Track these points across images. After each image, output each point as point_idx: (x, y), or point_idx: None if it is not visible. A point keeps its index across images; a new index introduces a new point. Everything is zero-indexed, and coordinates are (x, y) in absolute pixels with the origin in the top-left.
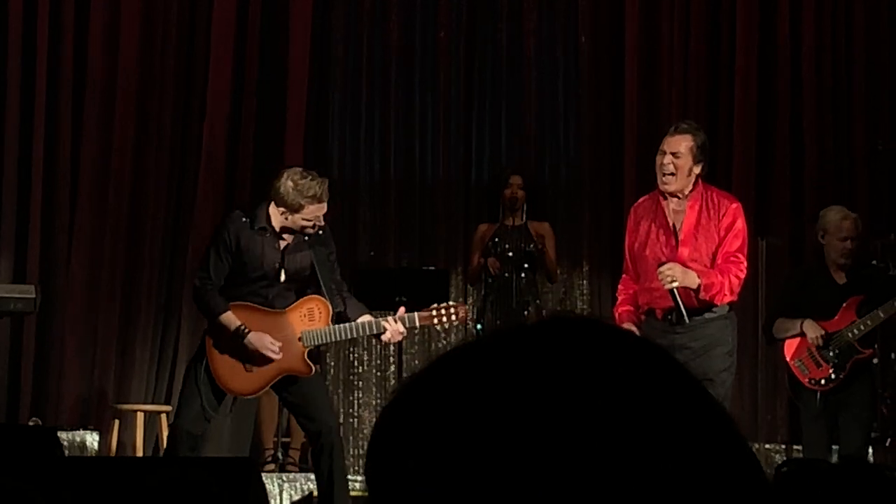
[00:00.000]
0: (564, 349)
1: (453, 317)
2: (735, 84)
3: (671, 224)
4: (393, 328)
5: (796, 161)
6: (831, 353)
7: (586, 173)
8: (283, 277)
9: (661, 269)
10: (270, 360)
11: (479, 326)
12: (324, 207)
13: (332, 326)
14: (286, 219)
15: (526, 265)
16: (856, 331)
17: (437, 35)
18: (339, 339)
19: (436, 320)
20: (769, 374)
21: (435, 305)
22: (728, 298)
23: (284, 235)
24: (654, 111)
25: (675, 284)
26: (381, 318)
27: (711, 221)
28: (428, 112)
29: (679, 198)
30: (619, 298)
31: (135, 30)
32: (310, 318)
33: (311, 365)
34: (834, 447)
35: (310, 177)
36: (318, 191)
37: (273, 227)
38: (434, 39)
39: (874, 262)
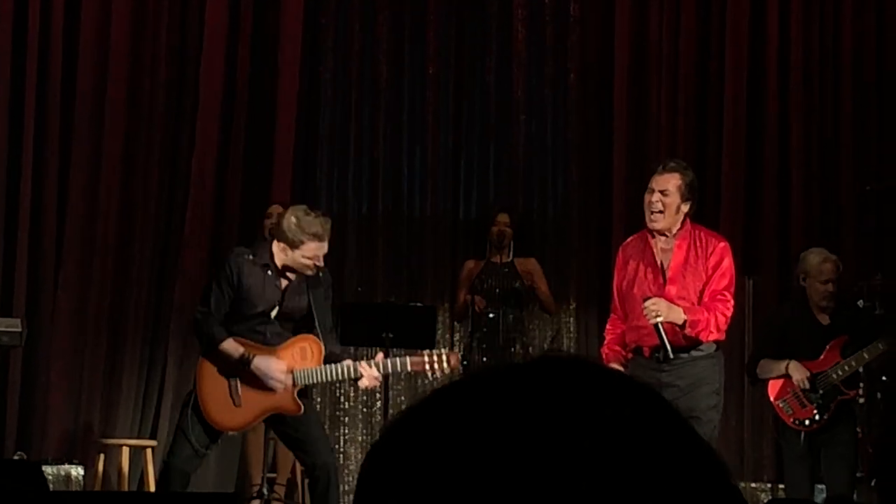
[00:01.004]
0: (552, 389)
1: (444, 365)
2: (724, 126)
3: (659, 262)
4: (368, 373)
5: (783, 201)
6: (816, 394)
7: (574, 211)
8: (274, 314)
9: (647, 303)
10: (259, 396)
11: (464, 363)
12: (324, 247)
13: (322, 366)
14: (286, 255)
15: (512, 302)
16: (840, 371)
17: (425, 72)
18: (328, 379)
19: (427, 366)
20: (755, 413)
21: (427, 352)
22: (714, 336)
23: (287, 274)
24: (643, 149)
25: (659, 319)
26: (359, 363)
27: (699, 260)
28: (416, 148)
29: (667, 236)
30: (607, 338)
31: (124, 61)
32: (302, 357)
33: (300, 403)
34: (818, 487)
35: (313, 214)
36: (319, 229)
37: (276, 265)
38: (423, 76)
39: (860, 302)
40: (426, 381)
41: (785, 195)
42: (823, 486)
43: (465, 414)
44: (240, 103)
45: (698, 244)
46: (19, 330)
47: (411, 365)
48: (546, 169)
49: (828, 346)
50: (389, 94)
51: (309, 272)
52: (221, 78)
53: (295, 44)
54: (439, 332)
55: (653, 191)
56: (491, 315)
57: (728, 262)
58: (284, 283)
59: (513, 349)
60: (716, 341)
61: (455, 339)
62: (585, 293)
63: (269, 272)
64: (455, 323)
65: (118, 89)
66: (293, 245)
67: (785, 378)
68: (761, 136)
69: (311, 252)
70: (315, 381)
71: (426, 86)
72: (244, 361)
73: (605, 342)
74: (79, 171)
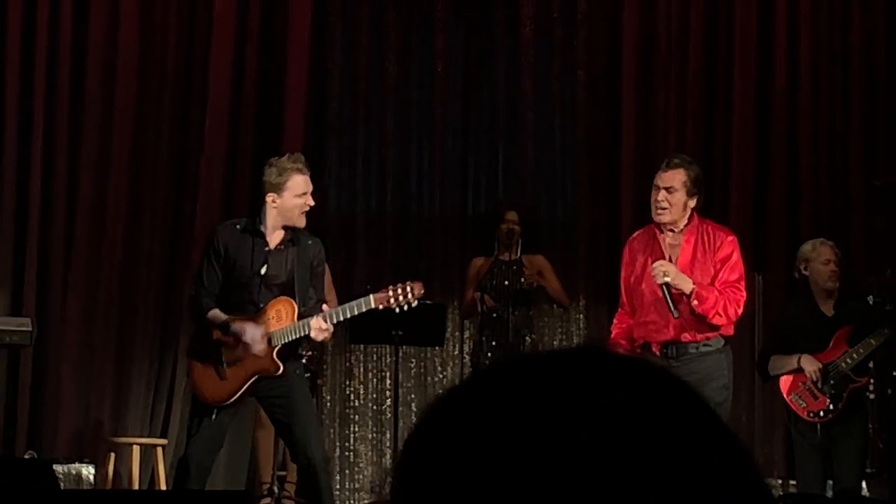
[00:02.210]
0: (589, 377)
1: (409, 295)
2: (732, 122)
3: (668, 258)
4: (314, 325)
5: (792, 197)
6: (827, 385)
7: (582, 208)
8: (265, 274)
9: (655, 264)
10: (240, 365)
11: (472, 361)
12: (308, 182)
13: (294, 324)
14: (277, 206)
15: (521, 299)
16: (849, 360)
17: (434, 68)
18: (298, 335)
19: (392, 301)
20: (766, 408)
21: (391, 286)
22: (722, 320)
23: (274, 235)
24: (651, 146)
25: (667, 279)
26: (313, 317)
27: (707, 254)
28: (424, 146)
29: (674, 231)
30: (613, 332)
31: (132, 63)
32: (277, 319)
33: (279, 363)
34: (829, 482)
35: (286, 155)
36: (298, 163)
37: (262, 231)
38: (431, 73)
39: (870, 298)
40: (435, 380)
41: (794, 191)
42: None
43: (510, 401)
44: (247, 101)
45: (706, 238)
46: (29, 329)
47: (375, 301)
48: (554, 166)
49: (834, 337)
50: (397, 92)
51: (302, 219)
52: (229, 76)
53: (302, 41)
54: (448, 329)
55: (658, 188)
56: (495, 315)
57: (737, 255)
58: (270, 246)
59: (522, 346)
60: (724, 336)
61: (465, 336)
62: (594, 290)
63: (256, 238)
64: (464, 320)
65: (126, 90)
66: (279, 188)
67: (796, 373)
68: (769, 132)
69: (300, 187)
70: (288, 339)
71: (434, 83)
72: (224, 328)
73: (612, 336)
74: (88, 171)
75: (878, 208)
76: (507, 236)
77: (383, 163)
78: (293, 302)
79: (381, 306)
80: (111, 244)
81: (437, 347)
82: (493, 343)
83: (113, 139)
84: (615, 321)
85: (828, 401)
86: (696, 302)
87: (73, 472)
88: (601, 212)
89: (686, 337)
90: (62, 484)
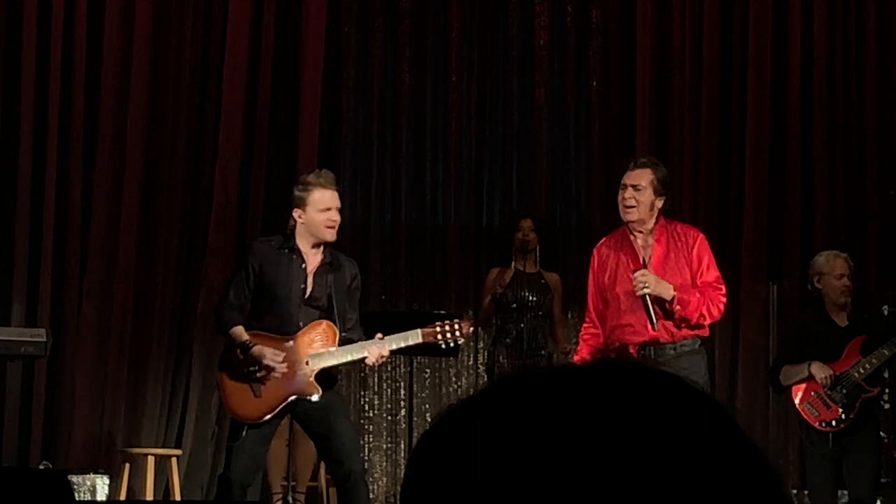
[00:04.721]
0: (606, 392)
1: (457, 333)
2: (747, 131)
3: (641, 259)
4: (373, 350)
5: (807, 207)
6: (839, 394)
7: (597, 218)
8: (307, 295)
9: (636, 274)
10: (277, 384)
11: (488, 371)
12: (334, 197)
13: (335, 348)
14: (301, 220)
15: (540, 313)
16: (861, 370)
17: (448, 79)
18: (340, 361)
19: (439, 337)
20: (780, 419)
21: (439, 322)
22: (704, 321)
23: (310, 256)
24: (666, 156)
25: (647, 290)
26: (367, 342)
27: (680, 252)
28: (439, 156)
29: (643, 233)
30: (580, 345)
31: (146, 74)
32: (320, 342)
33: (317, 386)
34: (841, 492)
35: (313, 172)
36: (322, 178)
37: (300, 248)
38: (445, 83)
39: (884, 308)
40: (450, 390)
41: (809, 201)
42: (846, 492)
43: (506, 417)
44: (262, 114)
45: (676, 237)
46: (44, 340)
47: (423, 336)
48: (568, 175)
49: (847, 347)
50: (412, 102)
51: (329, 233)
52: (243, 88)
53: (317, 52)
54: (462, 340)
55: (626, 186)
56: (511, 327)
57: (709, 252)
58: (310, 266)
59: (537, 358)
60: (700, 337)
61: (479, 346)
62: None
63: (294, 256)
64: (479, 329)
65: (140, 102)
66: (303, 203)
67: (808, 381)
68: (784, 142)
69: (323, 203)
70: (329, 364)
71: (448, 93)
72: (244, 348)
73: (578, 349)
74: (102, 182)
75: (893, 217)
76: (522, 245)
77: (398, 173)
78: (335, 327)
79: (429, 340)
80: (126, 255)
81: (451, 358)
82: (510, 354)
83: (127, 149)
84: (584, 335)
85: (840, 410)
86: (678, 307)
87: (88, 482)
88: (616, 221)
89: (664, 338)
90: (77, 495)
